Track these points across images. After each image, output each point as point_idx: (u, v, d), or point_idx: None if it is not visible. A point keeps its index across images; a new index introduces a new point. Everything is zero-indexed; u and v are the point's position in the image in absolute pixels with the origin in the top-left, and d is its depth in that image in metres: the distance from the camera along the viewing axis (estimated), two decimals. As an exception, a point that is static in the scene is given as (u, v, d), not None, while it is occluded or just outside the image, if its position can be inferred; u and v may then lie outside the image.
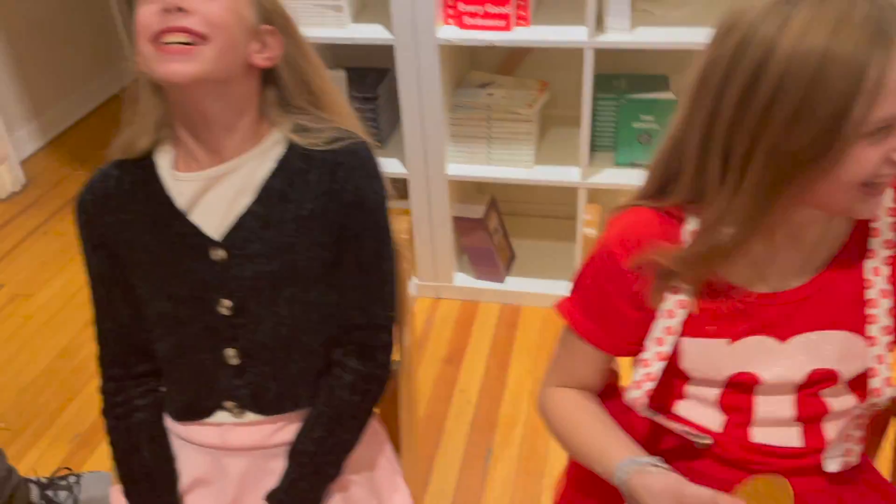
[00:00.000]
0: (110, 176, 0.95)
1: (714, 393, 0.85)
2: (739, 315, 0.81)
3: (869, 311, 0.80)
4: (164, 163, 0.94)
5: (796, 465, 0.85)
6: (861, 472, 0.91)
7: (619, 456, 0.81)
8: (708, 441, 0.85)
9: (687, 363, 0.84)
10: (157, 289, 0.94)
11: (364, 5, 1.93)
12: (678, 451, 0.88)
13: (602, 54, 1.71)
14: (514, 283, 2.12)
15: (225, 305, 0.93)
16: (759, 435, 0.85)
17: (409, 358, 1.06)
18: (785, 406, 0.83)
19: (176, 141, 0.94)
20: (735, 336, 0.81)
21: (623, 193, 1.96)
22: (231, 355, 0.94)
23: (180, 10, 0.82)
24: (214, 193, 0.92)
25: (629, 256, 0.81)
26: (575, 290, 0.89)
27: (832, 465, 0.85)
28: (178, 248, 0.93)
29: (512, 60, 2.12)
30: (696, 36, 1.66)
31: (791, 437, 0.84)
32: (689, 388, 0.86)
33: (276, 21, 0.91)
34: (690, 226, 0.80)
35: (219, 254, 0.92)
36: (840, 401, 0.84)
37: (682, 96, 0.77)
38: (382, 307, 0.98)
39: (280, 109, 0.95)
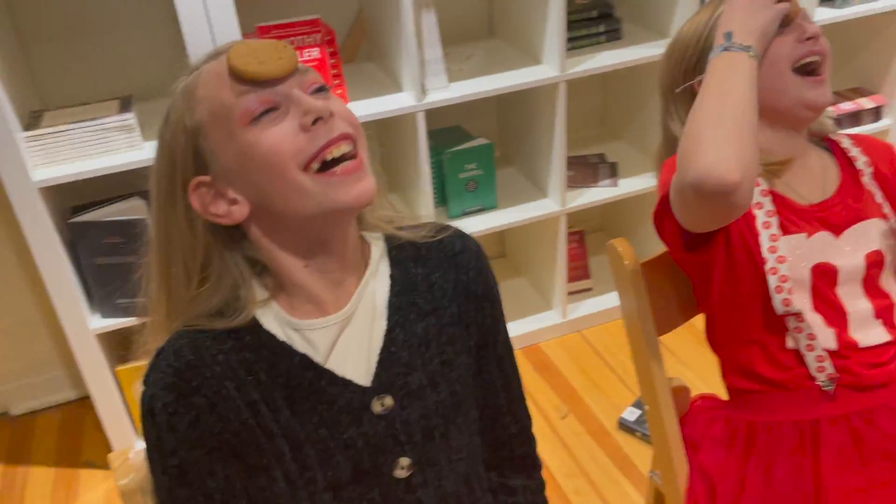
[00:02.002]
0: (206, 351, 0.71)
1: (807, 301, 0.95)
2: (803, 218, 0.97)
3: (878, 201, 1.02)
4: (271, 318, 0.74)
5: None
6: None
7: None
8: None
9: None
10: (309, 479, 0.73)
11: (146, 119, 1.66)
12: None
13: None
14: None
15: (402, 466, 0.76)
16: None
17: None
18: (862, 300, 0.97)
19: (283, 289, 0.74)
20: (809, 232, 0.97)
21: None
22: None
23: (332, 114, 0.67)
24: (347, 336, 0.75)
25: None
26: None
27: None
28: (331, 414, 0.73)
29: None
30: (502, 81, 1.79)
31: (880, 335, 0.98)
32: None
33: None
34: None
35: (385, 402, 0.75)
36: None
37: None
38: (524, 404, 0.89)
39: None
